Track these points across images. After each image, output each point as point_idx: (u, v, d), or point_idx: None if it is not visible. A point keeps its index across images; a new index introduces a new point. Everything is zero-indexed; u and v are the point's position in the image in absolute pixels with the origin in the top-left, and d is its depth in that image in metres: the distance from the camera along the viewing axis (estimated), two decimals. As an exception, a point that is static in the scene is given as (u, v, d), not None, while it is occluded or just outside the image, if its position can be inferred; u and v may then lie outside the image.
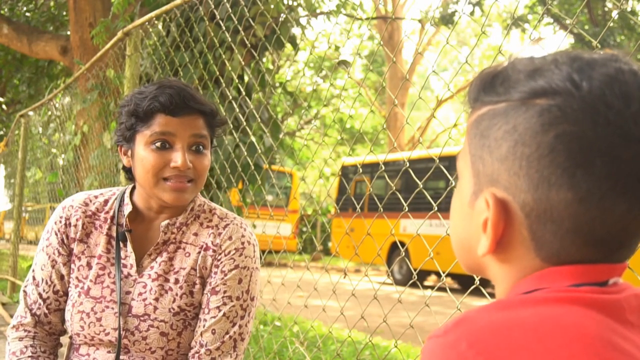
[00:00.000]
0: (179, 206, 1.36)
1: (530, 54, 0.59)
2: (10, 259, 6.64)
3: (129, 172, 1.38)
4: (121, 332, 1.29)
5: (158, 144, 1.27)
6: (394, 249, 11.24)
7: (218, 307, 1.31)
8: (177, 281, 1.33)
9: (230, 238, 1.35)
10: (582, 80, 0.53)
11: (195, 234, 1.37)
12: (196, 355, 1.30)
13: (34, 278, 1.39)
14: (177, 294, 1.32)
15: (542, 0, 12.82)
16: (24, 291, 1.40)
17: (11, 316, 4.63)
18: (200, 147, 1.32)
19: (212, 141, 1.37)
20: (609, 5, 13.21)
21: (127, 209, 1.36)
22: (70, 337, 1.38)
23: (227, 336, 1.31)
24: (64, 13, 9.24)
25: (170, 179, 1.28)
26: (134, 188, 1.40)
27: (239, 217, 1.42)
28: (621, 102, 0.52)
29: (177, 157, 1.27)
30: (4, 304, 5.56)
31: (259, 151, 3.00)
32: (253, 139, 2.93)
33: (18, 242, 6.70)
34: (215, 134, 1.38)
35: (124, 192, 1.40)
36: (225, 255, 1.34)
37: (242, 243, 1.36)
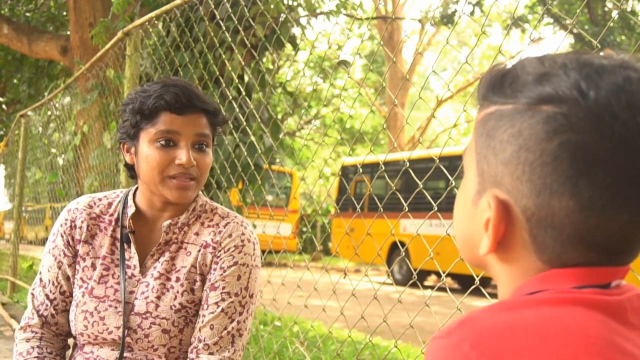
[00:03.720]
0: (183, 204, 1.38)
1: (541, 54, 0.58)
2: (10, 259, 6.64)
3: (131, 169, 1.40)
4: (125, 330, 1.31)
5: (163, 142, 1.30)
6: (394, 249, 11.24)
7: (216, 303, 1.33)
8: (178, 279, 1.36)
9: (230, 235, 1.37)
10: (589, 89, 0.52)
11: (197, 234, 1.39)
12: (194, 350, 1.32)
13: (40, 280, 1.41)
14: (178, 292, 1.35)
15: (542, 0, 12.82)
16: (32, 294, 1.42)
17: (11, 316, 4.63)
18: (203, 145, 1.35)
19: (213, 139, 1.40)
20: (609, 5, 13.22)
21: (130, 210, 1.39)
22: (75, 337, 1.39)
23: (225, 331, 1.33)
24: (64, 13, 9.24)
25: (175, 177, 1.31)
26: (136, 190, 1.43)
27: (240, 216, 1.44)
28: (627, 113, 0.51)
29: (182, 155, 1.29)
30: (4, 304, 5.54)
31: (259, 151, 2.99)
32: (253, 139, 2.93)
33: (18, 242, 6.70)
34: (216, 133, 1.41)
35: (127, 195, 1.43)
36: (225, 252, 1.36)
37: (242, 241, 1.38)
